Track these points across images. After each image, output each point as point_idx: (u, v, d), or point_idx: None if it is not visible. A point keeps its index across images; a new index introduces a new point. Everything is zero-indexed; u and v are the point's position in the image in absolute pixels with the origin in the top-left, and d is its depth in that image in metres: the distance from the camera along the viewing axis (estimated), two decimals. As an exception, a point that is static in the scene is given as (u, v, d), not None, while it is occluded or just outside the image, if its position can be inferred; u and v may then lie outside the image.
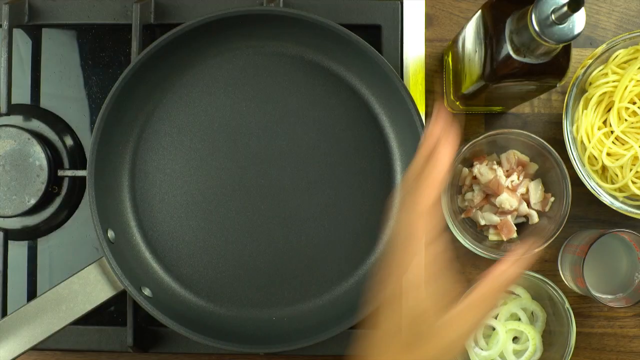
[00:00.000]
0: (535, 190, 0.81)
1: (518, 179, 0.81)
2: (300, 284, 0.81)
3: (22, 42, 0.86)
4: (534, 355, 0.79)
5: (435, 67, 0.85)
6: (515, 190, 0.81)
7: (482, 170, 0.80)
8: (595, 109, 0.79)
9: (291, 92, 0.83)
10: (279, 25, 0.80)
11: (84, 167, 0.81)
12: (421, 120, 0.77)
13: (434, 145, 0.59)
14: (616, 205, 0.79)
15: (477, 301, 0.57)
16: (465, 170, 0.82)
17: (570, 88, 0.80)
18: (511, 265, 0.57)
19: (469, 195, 0.82)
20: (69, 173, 0.82)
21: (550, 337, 0.80)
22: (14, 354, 0.73)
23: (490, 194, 0.81)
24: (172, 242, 0.82)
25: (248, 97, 0.83)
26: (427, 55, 0.85)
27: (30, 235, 0.85)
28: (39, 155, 0.80)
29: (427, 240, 0.57)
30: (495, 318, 0.80)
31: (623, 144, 0.78)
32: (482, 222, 0.82)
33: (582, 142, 0.79)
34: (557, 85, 0.67)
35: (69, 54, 0.87)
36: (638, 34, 0.79)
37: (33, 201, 0.80)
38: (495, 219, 0.81)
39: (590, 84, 0.80)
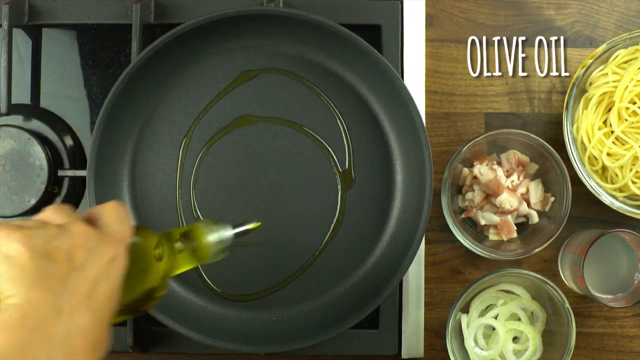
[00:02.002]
0: (535, 190, 0.81)
1: (518, 179, 0.81)
2: (300, 283, 0.81)
3: (22, 42, 0.86)
4: (534, 355, 0.79)
5: (435, 67, 0.85)
6: (515, 190, 0.81)
7: (482, 170, 0.80)
8: (596, 109, 0.79)
9: (291, 92, 0.83)
10: (279, 25, 0.80)
11: (84, 167, 0.80)
12: (421, 120, 0.77)
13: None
14: (616, 205, 0.79)
15: None
16: (466, 170, 0.82)
17: (570, 88, 0.80)
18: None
19: (469, 195, 0.82)
20: (69, 173, 0.82)
21: (550, 337, 0.80)
22: (14, 354, 0.73)
23: (490, 194, 0.81)
24: (172, 242, 0.82)
25: (248, 97, 0.83)
26: (427, 55, 0.85)
27: (30, 235, 0.85)
28: (39, 155, 0.80)
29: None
30: (495, 318, 0.80)
31: (623, 144, 0.78)
32: (482, 222, 0.82)
33: (582, 142, 0.79)
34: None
35: (69, 54, 0.87)
36: (638, 34, 0.79)
37: (33, 201, 0.80)
38: (496, 219, 0.81)
39: (591, 84, 0.80)
